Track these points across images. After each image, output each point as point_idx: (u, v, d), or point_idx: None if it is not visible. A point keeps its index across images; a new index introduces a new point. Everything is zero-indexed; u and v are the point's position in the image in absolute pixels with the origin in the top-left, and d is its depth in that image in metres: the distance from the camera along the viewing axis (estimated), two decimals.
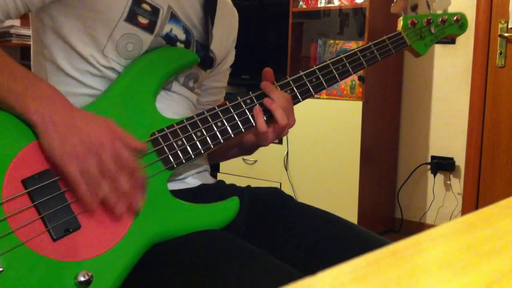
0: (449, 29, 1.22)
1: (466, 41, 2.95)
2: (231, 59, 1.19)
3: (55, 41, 0.94)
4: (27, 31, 3.80)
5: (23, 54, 3.94)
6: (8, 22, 3.84)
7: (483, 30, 2.89)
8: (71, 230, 0.79)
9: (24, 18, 3.93)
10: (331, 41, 3.25)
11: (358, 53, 1.09)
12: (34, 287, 0.75)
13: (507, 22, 2.85)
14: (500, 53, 2.86)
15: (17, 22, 3.93)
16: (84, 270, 0.77)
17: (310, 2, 3.29)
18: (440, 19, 1.20)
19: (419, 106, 3.20)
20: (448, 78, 3.08)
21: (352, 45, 3.14)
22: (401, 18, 1.18)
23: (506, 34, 2.84)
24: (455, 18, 1.21)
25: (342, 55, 1.08)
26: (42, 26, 0.95)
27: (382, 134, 3.16)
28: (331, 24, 3.40)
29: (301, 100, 1.02)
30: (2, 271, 0.73)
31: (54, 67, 0.96)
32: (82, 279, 0.76)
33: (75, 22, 0.93)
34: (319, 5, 3.27)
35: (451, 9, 1.21)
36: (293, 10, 3.30)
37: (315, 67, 1.04)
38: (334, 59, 1.06)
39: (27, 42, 3.81)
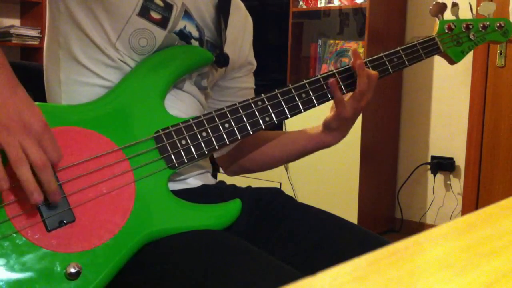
0: (490, 35, 1.13)
1: None
2: (252, 60, 1.17)
3: (71, 29, 0.94)
4: (27, 31, 3.80)
5: (23, 54, 3.94)
6: (8, 22, 3.84)
7: None
8: (65, 222, 0.80)
9: (24, 18, 3.94)
10: (331, 41, 3.25)
11: (384, 57, 1.04)
12: (24, 274, 0.76)
13: None
14: (500, 53, 2.86)
15: (17, 22, 3.94)
16: (74, 262, 0.78)
17: (310, 2, 3.29)
18: (481, 25, 1.11)
19: (419, 106, 3.20)
20: (448, 78, 3.08)
21: (352, 45, 3.14)
22: (437, 22, 1.09)
23: None
24: (498, 24, 1.12)
25: (366, 60, 1.03)
26: (58, 12, 0.95)
27: (382, 134, 3.16)
28: (331, 24, 3.40)
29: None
30: None
31: (68, 55, 0.95)
32: (72, 270, 0.78)
33: (88, 12, 0.93)
34: (319, 5, 3.27)
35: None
36: (293, 10, 3.30)
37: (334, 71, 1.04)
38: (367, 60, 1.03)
39: (27, 42, 3.81)
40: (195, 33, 1.01)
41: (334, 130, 1.08)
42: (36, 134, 0.76)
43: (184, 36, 0.99)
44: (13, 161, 0.74)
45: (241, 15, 1.14)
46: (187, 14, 1.00)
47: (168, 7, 0.97)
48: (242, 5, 1.15)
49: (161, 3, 0.96)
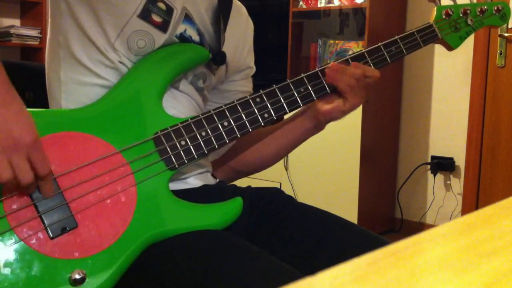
0: (488, 20, 1.11)
1: (466, 41, 2.93)
2: (251, 64, 1.16)
3: (71, 28, 0.94)
4: (27, 31, 3.80)
5: (23, 54, 3.94)
6: (8, 22, 3.84)
7: (483, 30, 2.89)
8: (68, 229, 0.80)
9: (24, 18, 3.94)
10: (331, 41, 3.25)
11: (382, 48, 1.03)
12: (29, 283, 0.76)
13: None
14: (500, 53, 2.86)
15: (17, 22, 3.93)
16: (79, 269, 0.78)
17: (310, 2, 3.29)
18: (478, 9, 1.09)
19: (419, 106, 3.20)
20: (448, 78, 3.08)
21: (352, 45, 3.14)
22: (435, 8, 1.07)
23: (506, 34, 2.84)
24: (495, 8, 1.10)
25: (364, 50, 1.02)
26: (59, 11, 0.95)
27: (382, 134, 3.16)
28: (331, 24, 3.40)
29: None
30: None
31: (68, 54, 0.95)
32: (76, 277, 0.78)
33: (89, 12, 0.93)
34: (319, 5, 3.27)
35: None
36: (293, 10, 3.30)
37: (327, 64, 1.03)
38: (354, 55, 1.01)
39: (27, 42, 3.81)
40: (196, 37, 1.00)
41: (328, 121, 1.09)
42: (25, 148, 0.75)
43: (184, 39, 0.99)
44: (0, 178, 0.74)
45: (242, 19, 1.14)
46: (187, 18, 0.99)
47: (169, 11, 0.97)
48: (244, 9, 1.15)
49: (163, 7, 0.96)
